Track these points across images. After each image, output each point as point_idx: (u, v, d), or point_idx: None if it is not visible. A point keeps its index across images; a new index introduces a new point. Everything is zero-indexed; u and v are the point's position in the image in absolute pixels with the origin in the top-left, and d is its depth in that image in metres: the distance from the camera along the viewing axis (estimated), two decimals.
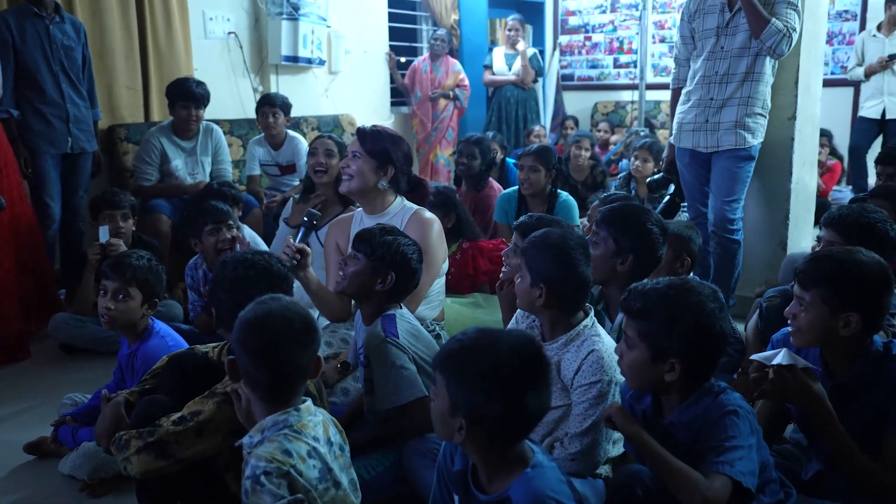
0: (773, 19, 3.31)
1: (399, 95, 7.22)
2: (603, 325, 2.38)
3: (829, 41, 7.00)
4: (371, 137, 2.74)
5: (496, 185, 4.79)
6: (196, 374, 1.99)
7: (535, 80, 7.27)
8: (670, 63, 7.86)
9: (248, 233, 3.89)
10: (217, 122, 4.79)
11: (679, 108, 3.73)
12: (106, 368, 3.16)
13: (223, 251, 3.20)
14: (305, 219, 2.71)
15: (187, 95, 4.35)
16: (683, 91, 3.72)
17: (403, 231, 2.42)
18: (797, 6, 3.36)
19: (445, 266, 2.86)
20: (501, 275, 2.69)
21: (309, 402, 1.65)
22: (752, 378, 1.80)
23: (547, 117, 7.85)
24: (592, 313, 2.11)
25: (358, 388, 2.59)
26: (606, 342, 2.04)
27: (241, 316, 1.62)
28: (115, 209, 3.63)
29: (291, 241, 2.55)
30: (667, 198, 4.03)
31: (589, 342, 2.03)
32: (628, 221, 2.35)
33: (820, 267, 1.83)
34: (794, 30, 3.33)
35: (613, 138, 7.41)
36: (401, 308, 2.28)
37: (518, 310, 2.27)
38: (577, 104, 8.33)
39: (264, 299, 1.64)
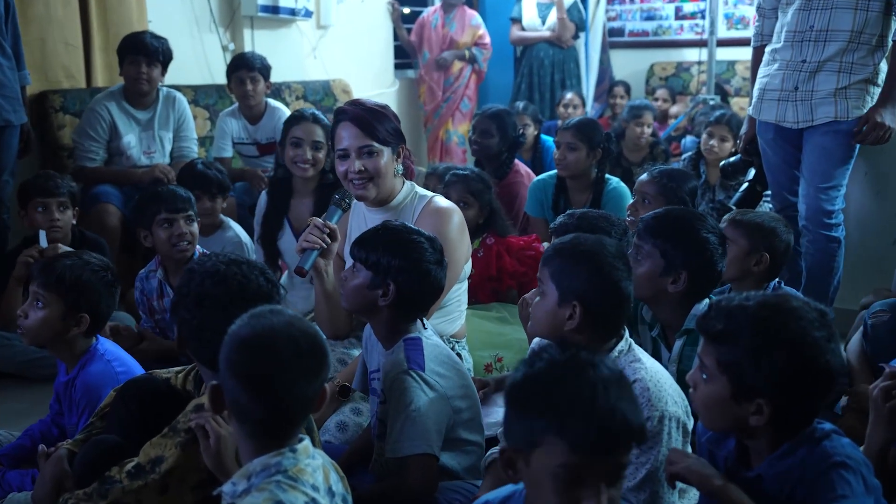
0: None
1: (404, 56, 7.21)
2: (659, 356, 2.40)
3: None
4: (376, 119, 2.71)
5: (524, 168, 4.79)
6: (156, 405, 1.98)
7: (576, 37, 7.25)
8: (750, 13, 7.86)
9: (237, 232, 3.90)
10: (177, 88, 4.79)
11: (762, 72, 3.69)
12: (40, 399, 3.15)
13: (180, 251, 3.19)
14: (337, 196, 2.73)
15: (138, 47, 4.35)
16: (768, 49, 3.68)
17: (413, 224, 2.42)
18: None
19: (468, 268, 2.87)
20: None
21: (307, 442, 1.62)
22: (882, 389, 1.77)
23: (590, 83, 7.83)
24: (627, 334, 2.11)
25: (359, 422, 2.60)
26: (651, 368, 2.04)
27: (233, 332, 1.59)
28: (49, 197, 3.62)
29: (318, 219, 2.57)
30: (745, 185, 4.00)
31: (629, 371, 2.01)
32: (679, 231, 2.37)
33: None
34: None
35: (674, 109, 7.39)
36: (425, 327, 2.28)
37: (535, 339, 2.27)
38: (629, 66, 8.31)
39: (262, 311, 1.61)
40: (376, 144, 2.70)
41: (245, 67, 4.79)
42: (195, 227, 3.27)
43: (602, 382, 1.38)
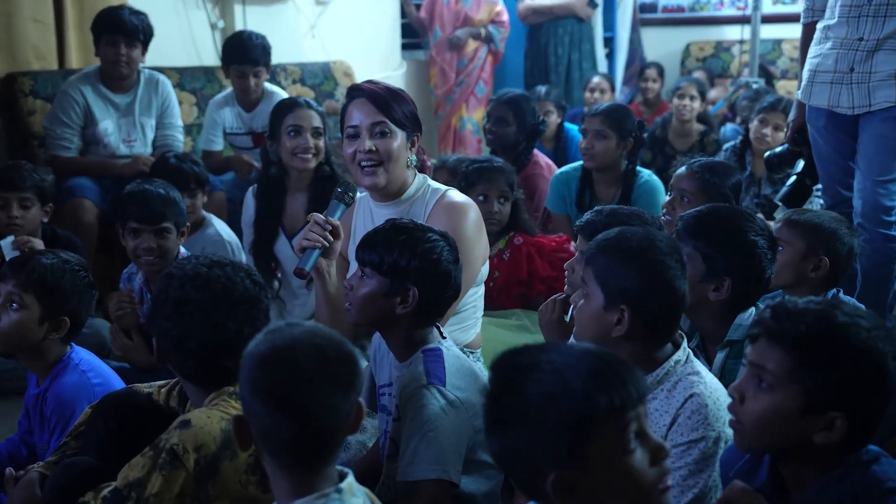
0: None
1: (413, 35, 7.22)
2: None
3: None
4: (394, 99, 2.73)
5: (544, 160, 4.80)
6: (137, 422, 1.99)
7: (593, 4, 7.24)
8: None
9: (218, 230, 3.89)
10: (160, 70, 4.80)
11: (813, 51, 3.67)
12: (7, 415, 3.15)
13: (145, 263, 3.16)
14: (339, 189, 2.72)
15: (115, 26, 4.34)
16: (819, 26, 3.66)
17: (425, 221, 2.43)
18: None
19: (485, 270, 2.86)
20: (564, 294, 2.68)
21: (351, 479, 1.61)
22: None
23: (618, 64, 7.82)
24: (685, 343, 2.11)
25: (362, 441, 2.60)
26: (710, 383, 2.04)
27: (249, 352, 1.56)
28: (10, 191, 3.58)
29: (319, 215, 2.57)
30: (792, 178, 3.97)
31: (685, 383, 2.02)
32: (723, 232, 2.36)
33: None
34: None
35: (713, 94, 7.39)
36: (444, 336, 2.28)
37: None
38: (662, 46, 8.34)
39: (279, 326, 1.59)
40: (391, 124, 2.71)
41: (249, 62, 4.73)
42: (170, 241, 3.15)
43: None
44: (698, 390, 1.99)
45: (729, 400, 2.00)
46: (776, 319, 1.69)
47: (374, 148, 2.70)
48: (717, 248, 2.35)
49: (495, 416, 1.46)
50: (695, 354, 2.41)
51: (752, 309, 2.39)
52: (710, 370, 2.38)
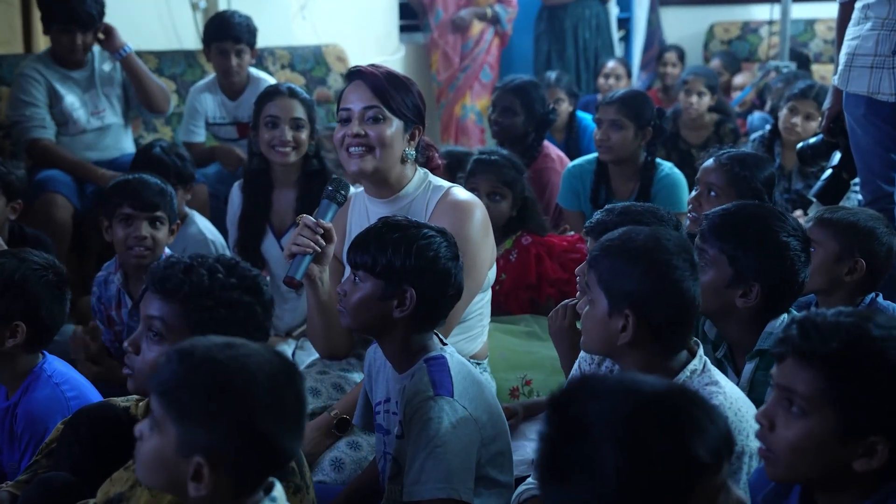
0: None
1: (412, 16, 7.22)
2: None
3: None
4: (393, 86, 2.73)
5: (555, 152, 4.80)
6: (113, 437, 1.98)
7: None
8: None
9: (201, 228, 3.91)
10: (138, 55, 4.79)
11: (850, 32, 3.66)
12: None
13: (135, 255, 3.20)
14: (330, 188, 2.70)
15: (68, 14, 4.35)
16: (858, 5, 3.65)
17: (427, 220, 2.43)
18: None
19: (492, 274, 2.86)
20: (574, 300, 2.67)
21: (279, 489, 1.60)
22: None
23: (635, 47, 7.82)
24: (701, 351, 2.11)
25: (357, 459, 2.61)
26: (730, 393, 2.04)
27: (176, 351, 1.57)
28: None
29: (309, 217, 2.57)
30: (828, 172, 3.97)
31: (703, 394, 1.98)
32: (752, 233, 2.35)
33: None
34: None
35: (739, 80, 7.40)
36: (445, 343, 2.29)
37: (582, 353, 2.27)
38: (683, 27, 8.34)
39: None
40: (386, 111, 2.71)
41: (231, 38, 4.76)
42: (162, 233, 3.24)
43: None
44: (717, 401, 1.98)
45: (753, 410, 2.02)
46: (804, 337, 1.65)
47: (362, 132, 2.69)
48: (746, 251, 2.34)
49: (552, 465, 1.41)
50: (721, 365, 2.44)
51: (784, 316, 2.39)
52: (739, 382, 2.38)
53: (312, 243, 2.54)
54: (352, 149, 2.71)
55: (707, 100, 5.64)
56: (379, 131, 2.70)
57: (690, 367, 2.07)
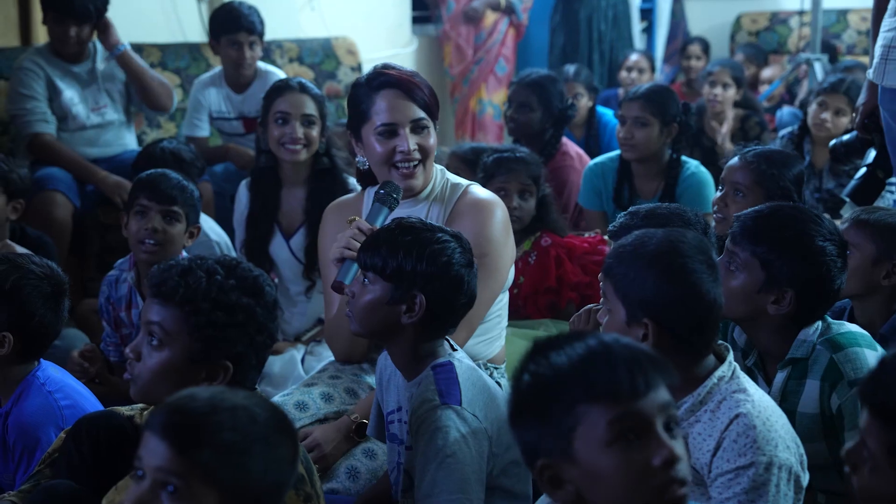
0: None
1: (424, 7, 7.24)
2: None
3: None
4: (429, 91, 2.74)
5: (574, 149, 4.80)
6: (116, 447, 1.98)
7: None
8: None
9: (205, 230, 3.87)
10: (141, 48, 4.81)
11: (886, 23, 3.63)
12: None
13: (143, 250, 3.18)
14: (381, 191, 2.68)
15: (63, 5, 4.35)
16: None
17: (446, 221, 2.44)
18: None
19: (511, 276, 2.86)
20: (598, 304, 2.66)
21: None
22: None
23: (658, 39, 7.81)
24: (731, 357, 2.11)
25: (373, 468, 2.61)
26: (759, 402, 2.04)
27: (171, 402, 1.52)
28: None
29: (363, 221, 2.55)
30: (862, 171, 3.94)
31: (730, 402, 2.02)
32: (787, 237, 2.33)
33: None
34: None
35: (767, 73, 7.38)
36: (454, 349, 2.29)
37: None
38: (709, 18, 8.34)
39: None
40: (427, 118, 2.73)
41: (244, 30, 4.75)
42: (176, 230, 3.20)
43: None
44: (745, 409, 1.99)
45: (784, 420, 2.04)
46: (882, 387, 1.52)
47: (417, 146, 2.70)
48: (780, 255, 2.32)
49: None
50: (752, 374, 2.42)
51: (819, 323, 2.38)
52: (771, 391, 2.38)
53: (351, 241, 2.50)
54: (402, 164, 2.70)
55: (732, 92, 5.63)
56: (428, 143, 2.72)
57: (718, 372, 2.06)
